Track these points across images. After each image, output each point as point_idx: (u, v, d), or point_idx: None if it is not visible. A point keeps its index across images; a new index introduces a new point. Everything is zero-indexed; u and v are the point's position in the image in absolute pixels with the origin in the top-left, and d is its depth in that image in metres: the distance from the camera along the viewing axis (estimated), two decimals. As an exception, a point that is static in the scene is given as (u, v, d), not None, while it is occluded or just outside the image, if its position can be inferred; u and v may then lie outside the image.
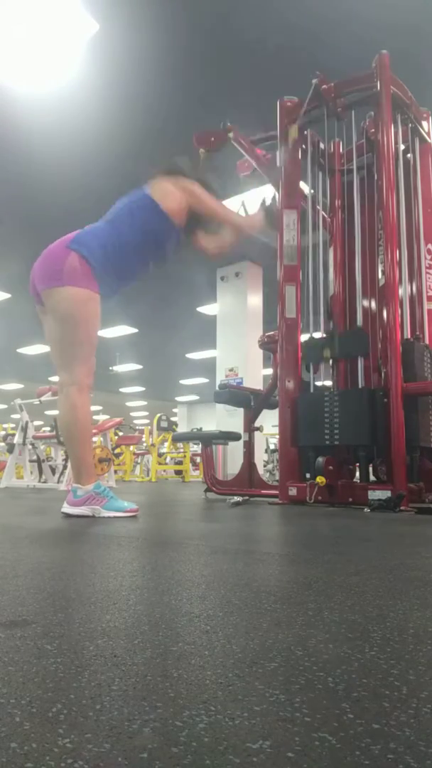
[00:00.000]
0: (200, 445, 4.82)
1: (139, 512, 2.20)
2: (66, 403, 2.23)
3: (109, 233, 2.30)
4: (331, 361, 3.21)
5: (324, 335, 3.30)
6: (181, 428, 18.05)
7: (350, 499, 2.85)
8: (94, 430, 6.69)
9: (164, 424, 10.57)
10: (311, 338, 3.31)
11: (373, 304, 3.31)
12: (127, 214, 2.35)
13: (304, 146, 3.46)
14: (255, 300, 8.52)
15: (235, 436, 4.02)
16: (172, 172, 2.48)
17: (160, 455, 11.04)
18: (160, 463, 10.86)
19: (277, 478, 3.45)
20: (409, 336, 3.12)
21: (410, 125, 3.37)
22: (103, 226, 2.33)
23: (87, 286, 2.20)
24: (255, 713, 0.39)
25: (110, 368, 14.84)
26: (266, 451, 10.05)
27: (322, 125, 3.34)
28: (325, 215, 3.72)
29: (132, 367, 15.29)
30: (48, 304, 2.23)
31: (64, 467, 6.19)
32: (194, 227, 2.55)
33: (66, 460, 6.26)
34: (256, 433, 4.15)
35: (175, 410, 22.49)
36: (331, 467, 2.92)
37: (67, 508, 2.17)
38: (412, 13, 3.91)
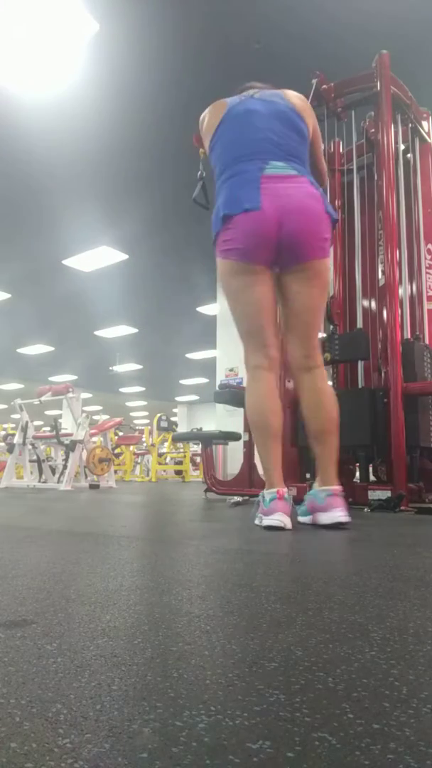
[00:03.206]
0: (200, 445, 4.82)
1: (139, 512, 2.20)
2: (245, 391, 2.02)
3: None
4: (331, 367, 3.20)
5: (324, 336, 3.30)
6: (181, 428, 18.06)
7: (350, 499, 2.85)
8: (93, 430, 6.69)
9: (164, 424, 10.57)
10: None
11: (373, 304, 3.31)
12: (303, 146, 2.04)
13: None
14: (255, 300, 8.51)
15: (235, 436, 4.02)
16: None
17: (160, 455, 11.04)
18: (160, 463, 10.86)
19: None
20: (409, 336, 3.12)
21: (410, 125, 3.37)
22: (312, 179, 2.01)
23: None
24: (255, 713, 0.39)
25: (110, 368, 14.85)
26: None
27: (322, 125, 3.33)
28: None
29: (132, 367, 15.29)
30: (312, 272, 1.96)
31: (64, 467, 6.19)
32: None
33: (66, 460, 6.27)
34: (256, 433, 4.15)
35: (175, 410, 22.49)
36: (331, 467, 2.91)
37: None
38: (412, 13, 3.91)
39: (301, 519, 1.98)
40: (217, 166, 2.07)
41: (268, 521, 1.78)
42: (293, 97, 2.10)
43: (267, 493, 1.85)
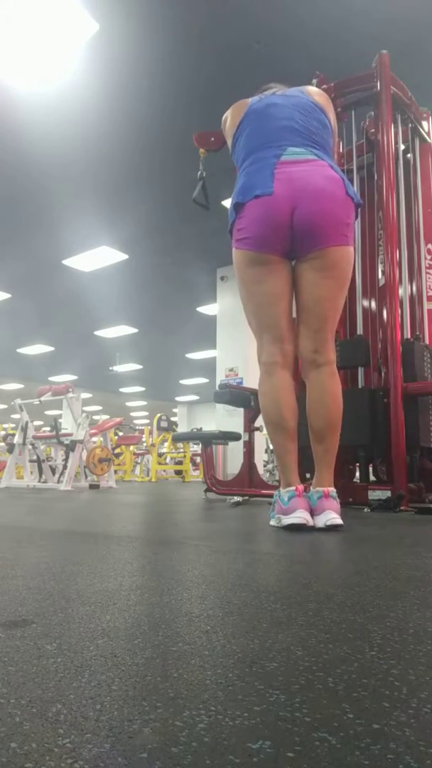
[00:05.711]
0: (200, 445, 4.82)
1: (139, 512, 2.20)
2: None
3: None
4: None
5: None
6: (181, 428, 18.06)
7: (350, 499, 2.85)
8: (93, 430, 6.69)
9: (164, 424, 10.58)
10: None
11: (373, 305, 3.31)
12: (325, 133, 1.98)
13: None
14: (255, 300, 8.52)
15: (235, 436, 4.02)
16: None
17: (160, 455, 11.05)
18: (160, 463, 10.86)
19: (277, 478, 3.45)
20: (409, 336, 3.12)
21: (410, 125, 3.37)
22: (332, 164, 1.92)
23: None
24: (255, 713, 0.39)
25: (110, 368, 14.85)
26: (266, 451, 10.04)
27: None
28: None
29: (132, 367, 15.30)
30: (329, 260, 1.84)
31: (64, 467, 6.19)
32: None
33: (66, 460, 6.27)
34: (256, 433, 4.15)
35: (175, 410, 22.50)
36: (331, 467, 2.91)
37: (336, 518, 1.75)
38: (411, 13, 3.91)
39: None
40: (237, 161, 2.03)
41: (289, 520, 1.72)
42: (314, 92, 2.07)
43: (285, 492, 1.78)
